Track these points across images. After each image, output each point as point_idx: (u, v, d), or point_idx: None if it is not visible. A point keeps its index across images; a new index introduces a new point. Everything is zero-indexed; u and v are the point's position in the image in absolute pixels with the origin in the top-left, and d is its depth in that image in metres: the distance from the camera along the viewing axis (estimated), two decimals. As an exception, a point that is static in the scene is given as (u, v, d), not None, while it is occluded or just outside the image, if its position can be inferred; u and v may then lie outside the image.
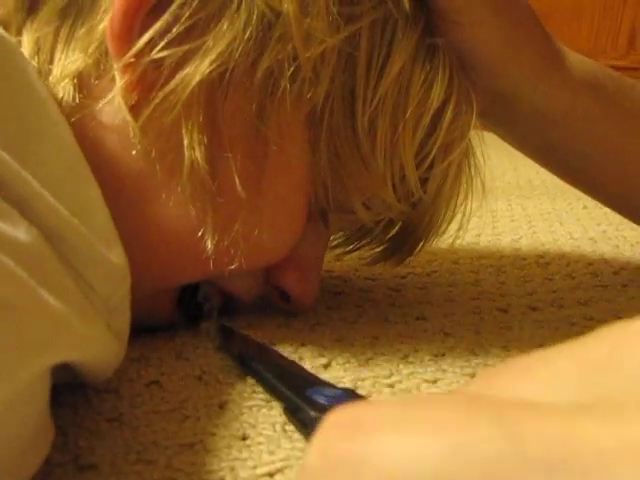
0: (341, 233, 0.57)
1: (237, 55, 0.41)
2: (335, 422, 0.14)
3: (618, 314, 0.57)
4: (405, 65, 0.45)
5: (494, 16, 0.49)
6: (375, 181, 0.46)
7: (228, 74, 0.42)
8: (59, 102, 0.42)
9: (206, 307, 0.49)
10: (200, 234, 0.43)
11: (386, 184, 0.46)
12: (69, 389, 0.38)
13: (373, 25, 0.44)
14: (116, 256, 0.36)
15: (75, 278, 0.33)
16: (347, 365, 0.46)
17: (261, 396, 0.41)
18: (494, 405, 0.13)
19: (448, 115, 0.47)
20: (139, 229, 0.43)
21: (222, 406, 0.40)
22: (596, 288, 0.64)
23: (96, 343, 0.33)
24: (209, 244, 0.43)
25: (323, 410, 0.36)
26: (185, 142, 0.42)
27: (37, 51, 0.43)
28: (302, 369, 0.43)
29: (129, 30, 0.41)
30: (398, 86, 0.45)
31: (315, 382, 0.40)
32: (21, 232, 0.28)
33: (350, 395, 0.38)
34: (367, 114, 0.44)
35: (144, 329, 0.46)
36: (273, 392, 0.41)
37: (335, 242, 0.58)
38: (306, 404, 0.37)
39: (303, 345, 0.48)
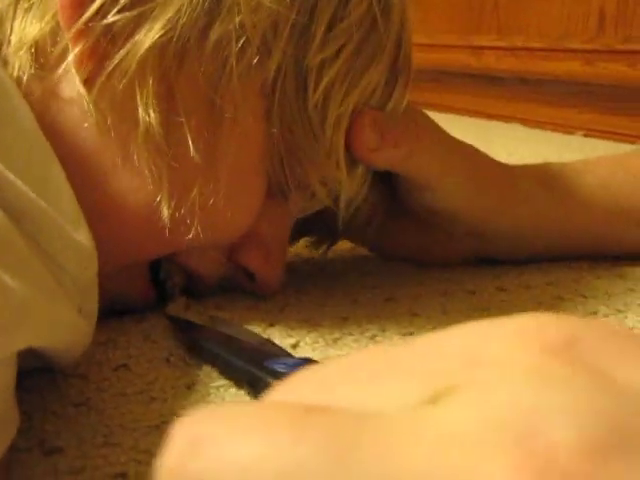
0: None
1: (185, 21, 0.42)
2: (177, 439, 0.14)
3: (584, 294, 0.58)
4: (360, 43, 0.46)
5: (457, 179, 0.54)
6: (325, 156, 0.47)
7: (180, 42, 0.42)
8: (17, 76, 0.42)
9: (168, 285, 0.49)
10: (156, 203, 0.43)
11: (336, 160, 0.47)
12: (36, 373, 0.38)
13: (327, 6, 0.45)
14: (83, 237, 0.36)
15: (44, 260, 0.33)
16: (315, 345, 0.46)
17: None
18: (327, 424, 0.13)
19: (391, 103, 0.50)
20: (98, 204, 0.43)
21: (189, 387, 0.40)
22: (563, 269, 0.65)
23: (64, 326, 0.33)
24: (165, 212, 0.43)
25: (281, 377, 0.36)
26: (140, 108, 0.42)
27: (0, 24, 0.43)
28: (263, 343, 0.43)
29: None
30: (349, 67, 0.46)
31: (272, 353, 0.40)
32: None
33: (309, 362, 0.38)
34: (319, 90, 0.45)
35: (121, 310, 0.46)
36: (231, 370, 0.40)
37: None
38: (265, 374, 0.37)
39: (272, 326, 0.48)
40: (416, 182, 0.53)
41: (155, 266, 0.49)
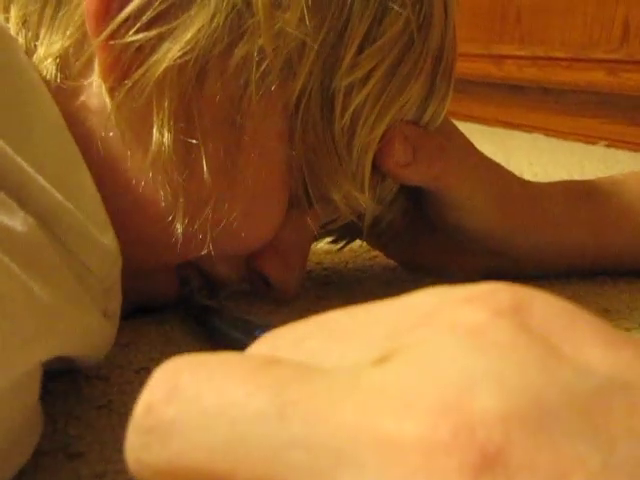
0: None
1: (204, 43, 0.41)
2: (158, 380, 0.15)
3: (606, 307, 0.58)
4: (394, 64, 0.45)
5: (485, 199, 0.53)
6: (349, 179, 0.46)
7: (200, 62, 0.42)
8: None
9: (186, 290, 0.49)
10: (170, 218, 0.43)
11: (361, 183, 0.47)
12: (58, 375, 0.38)
13: (360, 23, 0.43)
14: (108, 239, 0.36)
15: (70, 262, 0.33)
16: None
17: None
18: (278, 379, 0.14)
19: (427, 116, 0.48)
20: (120, 211, 0.42)
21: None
22: (586, 282, 0.64)
23: (90, 332, 0.33)
24: (179, 228, 0.43)
25: None
26: (155, 127, 0.42)
27: (23, 28, 0.43)
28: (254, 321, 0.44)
29: (106, 10, 0.41)
30: (380, 90, 0.45)
31: (267, 325, 0.41)
32: (18, 222, 0.28)
33: None
34: (346, 114, 0.44)
35: (143, 307, 0.47)
36: (227, 341, 0.42)
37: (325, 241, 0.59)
38: (252, 340, 0.37)
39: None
40: (444, 200, 0.53)
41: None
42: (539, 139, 1.55)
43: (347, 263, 0.65)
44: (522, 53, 1.67)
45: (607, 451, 0.12)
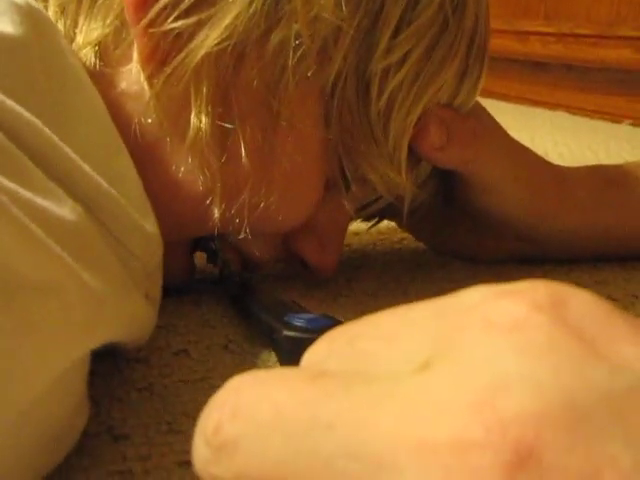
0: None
1: (241, 29, 0.41)
2: (221, 399, 0.16)
3: (635, 294, 0.58)
4: (429, 47, 0.45)
5: (515, 184, 0.54)
6: (386, 161, 0.46)
7: (237, 48, 0.42)
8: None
9: (225, 271, 0.49)
10: (208, 202, 0.44)
11: (398, 166, 0.47)
12: (99, 358, 0.39)
13: (395, 7, 0.44)
14: (150, 224, 0.37)
15: (116, 248, 0.33)
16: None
17: (286, 365, 0.42)
18: (326, 391, 0.15)
19: (460, 98, 0.48)
20: (155, 195, 0.43)
21: (249, 375, 0.40)
22: (614, 268, 0.64)
23: (135, 317, 0.34)
24: (216, 212, 0.44)
25: (297, 330, 0.38)
26: (193, 113, 0.42)
27: (62, 16, 0.43)
28: (295, 304, 0.45)
29: None
30: (416, 73, 0.45)
31: (296, 310, 0.42)
32: (67, 211, 0.29)
33: (327, 318, 0.39)
34: (382, 97, 0.44)
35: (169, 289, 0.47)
36: (259, 324, 0.43)
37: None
38: (281, 326, 0.39)
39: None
40: (474, 184, 0.53)
41: (211, 250, 0.49)
42: (563, 117, 1.53)
43: (375, 245, 0.65)
44: (547, 30, 1.66)
45: (639, 450, 0.12)
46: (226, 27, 0.41)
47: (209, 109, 0.42)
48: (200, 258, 0.52)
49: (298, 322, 0.39)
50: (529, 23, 1.72)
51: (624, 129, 1.40)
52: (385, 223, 0.66)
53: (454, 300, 0.16)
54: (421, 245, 0.64)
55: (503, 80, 1.76)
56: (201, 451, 0.16)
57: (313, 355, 0.18)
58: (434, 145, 0.48)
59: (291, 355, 0.38)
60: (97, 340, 0.30)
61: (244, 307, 0.46)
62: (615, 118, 1.45)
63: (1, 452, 0.25)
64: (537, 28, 1.69)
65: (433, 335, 0.16)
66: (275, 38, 0.42)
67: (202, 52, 0.41)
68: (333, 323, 0.37)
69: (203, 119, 0.42)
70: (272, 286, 0.52)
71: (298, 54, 0.42)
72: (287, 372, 0.16)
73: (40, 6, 0.40)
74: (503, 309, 0.15)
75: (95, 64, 0.42)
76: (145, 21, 0.41)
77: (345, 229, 0.53)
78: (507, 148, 0.54)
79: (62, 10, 0.43)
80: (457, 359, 0.14)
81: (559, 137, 1.26)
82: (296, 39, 0.42)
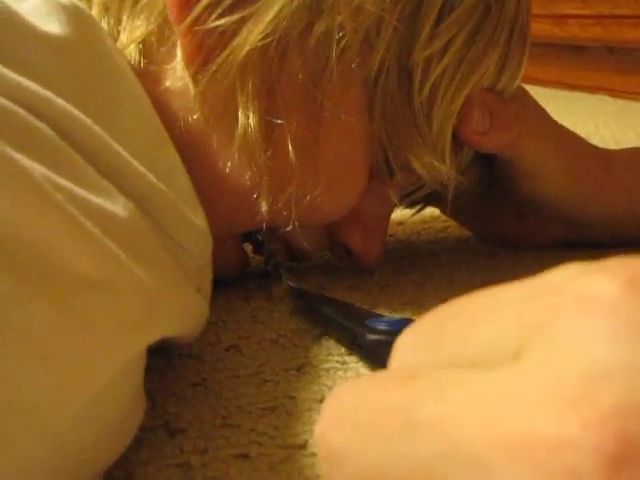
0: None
1: (285, 23, 0.41)
2: (326, 410, 0.16)
3: None
4: (472, 34, 0.45)
5: (560, 168, 0.53)
6: (430, 149, 0.46)
7: (280, 42, 0.42)
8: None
9: (270, 262, 0.50)
10: (255, 196, 0.44)
11: (442, 154, 0.47)
12: (153, 353, 0.39)
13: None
14: (199, 219, 0.37)
15: (168, 244, 0.34)
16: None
17: (337, 358, 0.42)
18: (420, 394, 0.15)
19: (502, 83, 0.48)
20: (202, 190, 0.43)
21: (299, 369, 0.40)
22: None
23: (189, 312, 0.34)
24: (264, 206, 0.44)
25: (381, 333, 0.38)
26: (240, 109, 0.42)
27: (105, 14, 0.44)
28: (365, 310, 0.45)
29: None
30: (459, 61, 0.45)
31: (374, 315, 0.42)
32: (119, 207, 0.29)
33: (408, 320, 0.39)
34: (425, 87, 0.44)
35: (218, 283, 0.47)
36: (338, 329, 0.43)
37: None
38: (364, 330, 0.39)
39: (374, 307, 0.48)
40: (518, 168, 0.52)
41: (256, 241, 0.50)
42: (604, 100, 1.51)
43: (419, 234, 0.65)
44: (585, 12, 1.63)
45: None
46: (269, 22, 0.41)
47: (256, 104, 0.42)
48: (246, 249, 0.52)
49: (381, 325, 0.39)
50: (566, 6, 1.70)
51: (668, 110, 1.38)
52: (429, 212, 0.66)
53: (542, 280, 0.16)
54: (465, 233, 0.64)
55: (541, 65, 1.74)
56: (320, 463, 0.17)
57: (402, 346, 0.18)
58: (477, 130, 0.48)
59: (378, 358, 0.38)
60: (153, 336, 0.30)
61: (316, 310, 0.46)
62: (659, 100, 1.43)
63: (64, 446, 0.26)
64: (575, 11, 1.66)
65: (523, 318, 0.15)
66: (318, 30, 0.42)
67: (246, 48, 0.41)
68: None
69: (250, 115, 0.42)
70: (318, 279, 0.52)
71: (341, 45, 0.42)
72: (380, 376, 0.17)
73: (84, 6, 0.41)
74: (596, 288, 0.14)
75: (139, 62, 0.43)
76: (188, 20, 0.41)
77: (389, 217, 0.53)
78: (551, 132, 0.54)
79: (105, 9, 0.44)
80: (550, 346, 0.14)
81: (601, 121, 1.24)
82: (339, 31, 0.42)
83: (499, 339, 0.15)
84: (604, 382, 0.13)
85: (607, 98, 1.52)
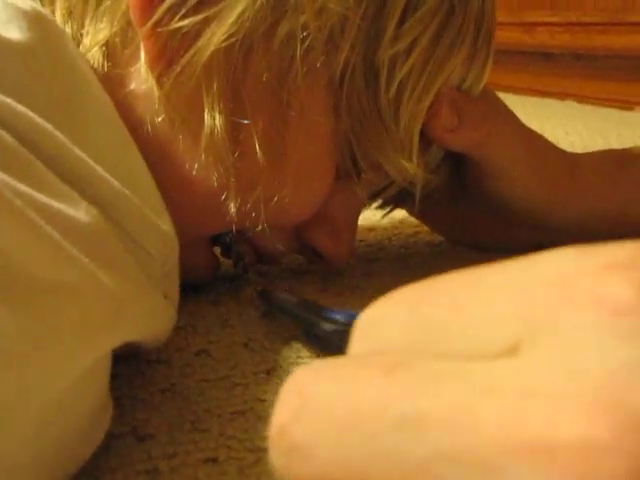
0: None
1: (249, 24, 0.41)
2: (286, 398, 0.15)
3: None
4: (436, 33, 0.45)
5: (527, 169, 0.53)
6: (397, 148, 0.46)
7: (244, 42, 0.42)
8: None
9: (239, 265, 0.50)
10: (223, 198, 0.44)
11: (409, 152, 0.47)
12: (121, 360, 0.39)
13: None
14: (165, 224, 0.37)
15: (132, 249, 0.33)
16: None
17: (306, 361, 0.41)
18: (410, 386, 0.13)
19: (468, 81, 0.48)
20: (167, 191, 0.43)
21: (269, 372, 0.40)
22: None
23: (154, 317, 0.34)
24: (232, 207, 0.44)
25: (338, 323, 0.38)
26: (205, 110, 0.42)
27: (68, 19, 0.44)
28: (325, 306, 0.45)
29: (150, 0, 0.41)
30: (425, 60, 0.45)
31: (331, 308, 0.42)
32: (81, 213, 0.29)
33: None
34: (392, 86, 0.44)
35: (186, 288, 0.47)
36: (297, 321, 0.43)
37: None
38: (321, 320, 0.38)
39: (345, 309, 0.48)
40: (486, 168, 0.53)
41: (225, 243, 0.50)
42: (572, 106, 1.53)
43: (390, 239, 0.65)
44: (554, 19, 1.65)
45: None
46: (233, 23, 0.41)
47: (221, 105, 0.42)
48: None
49: (338, 316, 0.38)
50: (535, 14, 1.72)
51: (636, 116, 1.39)
52: (399, 216, 0.66)
53: (537, 268, 0.14)
54: (435, 238, 0.64)
55: (511, 72, 1.76)
56: (273, 455, 0.15)
57: (367, 323, 0.16)
58: (445, 127, 0.48)
59: (335, 347, 0.37)
60: (117, 340, 0.30)
61: (271, 305, 0.46)
62: (626, 105, 1.45)
63: (26, 449, 0.25)
64: (544, 18, 1.68)
65: (518, 309, 0.14)
66: (282, 30, 0.42)
67: (210, 49, 0.41)
68: None
69: (217, 116, 0.42)
70: (288, 282, 0.52)
71: (305, 45, 0.42)
72: (351, 361, 0.15)
73: (47, 11, 0.41)
74: (607, 289, 0.13)
75: (103, 65, 0.42)
76: (151, 22, 0.41)
77: (357, 217, 0.53)
78: (519, 132, 0.54)
79: (69, 13, 0.43)
80: (562, 343, 0.13)
81: (570, 127, 1.25)
82: (303, 30, 0.42)
83: (489, 330, 0.14)
84: (631, 383, 0.12)
85: (575, 104, 1.54)
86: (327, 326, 0.38)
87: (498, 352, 0.13)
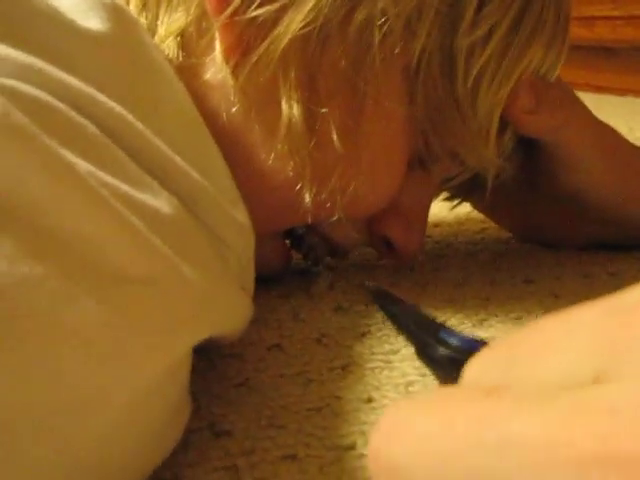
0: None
1: (326, 11, 0.41)
2: (379, 427, 0.15)
3: None
4: (516, 20, 0.43)
5: (602, 160, 0.51)
6: (474, 136, 0.45)
7: (322, 30, 0.41)
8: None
9: (311, 256, 0.49)
10: (298, 188, 0.43)
11: (486, 139, 0.46)
12: (195, 353, 0.38)
13: None
14: (242, 216, 0.36)
15: (212, 240, 0.33)
16: (462, 326, 0.45)
17: (381, 357, 0.40)
18: (497, 412, 0.14)
19: (545, 68, 0.47)
20: (244, 184, 0.42)
21: (344, 368, 0.39)
22: None
23: (234, 310, 0.33)
24: (307, 197, 0.43)
25: (453, 349, 0.37)
26: (282, 100, 0.41)
27: (143, 10, 0.43)
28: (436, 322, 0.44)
29: None
30: (505, 48, 0.44)
31: (447, 327, 0.41)
32: (163, 203, 0.28)
33: (480, 343, 0.38)
34: (470, 74, 0.43)
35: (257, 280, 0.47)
36: (406, 331, 0.42)
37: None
38: (436, 343, 0.38)
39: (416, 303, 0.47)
40: (560, 157, 0.51)
41: (296, 236, 0.49)
42: (634, 102, 1.49)
43: (457, 236, 0.64)
44: (615, 13, 1.61)
45: None
46: (310, 10, 0.40)
47: (298, 94, 0.41)
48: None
49: (454, 341, 0.38)
50: (596, 8, 1.68)
51: (701, 111, 1.35)
52: (464, 212, 0.65)
53: (618, 299, 0.15)
54: (503, 234, 0.62)
55: (570, 68, 1.72)
56: (373, 476, 0.15)
57: (474, 368, 0.17)
58: (524, 109, 0.46)
59: (448, 373, 0.37)
60: (200, 335, 0.29)
61: (383, 309, 0.45)
62: (691, 100, 1.41)
63: (109, 446, 0.25)
64: (605, 13, 1.65)
65: (597, 337, 0.14)
66: (359, 17, 0.41)
67: (287, 38, 0.40)
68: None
69: (294, 105, 0.41)
70: (360, 276, 0.51)
71: (383, 31, 0.41)
72: (453, 390, 0.15)
73: (123, 2, 0.40)
74: None
75: (178, 55, 0.42)
76: (228, 11, 0.40)
77: (429, 206, 0.52)
78: (592, 122, 0.52)
79: (143, 4, 0.43)
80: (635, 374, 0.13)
81: (633, 123, 1.22)
82: (380, 16, 0.41)
83: (573, 363, 0.14)
84: None
85: (636, 100, 1.50)
86: (442, 350, 0.37)
87: (586, 381, 0.14)
